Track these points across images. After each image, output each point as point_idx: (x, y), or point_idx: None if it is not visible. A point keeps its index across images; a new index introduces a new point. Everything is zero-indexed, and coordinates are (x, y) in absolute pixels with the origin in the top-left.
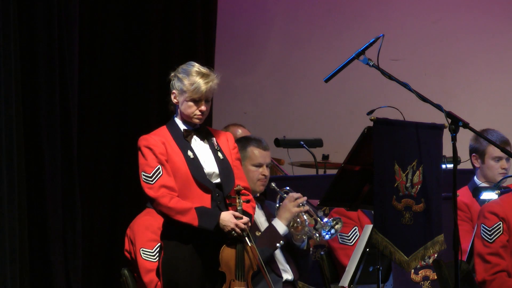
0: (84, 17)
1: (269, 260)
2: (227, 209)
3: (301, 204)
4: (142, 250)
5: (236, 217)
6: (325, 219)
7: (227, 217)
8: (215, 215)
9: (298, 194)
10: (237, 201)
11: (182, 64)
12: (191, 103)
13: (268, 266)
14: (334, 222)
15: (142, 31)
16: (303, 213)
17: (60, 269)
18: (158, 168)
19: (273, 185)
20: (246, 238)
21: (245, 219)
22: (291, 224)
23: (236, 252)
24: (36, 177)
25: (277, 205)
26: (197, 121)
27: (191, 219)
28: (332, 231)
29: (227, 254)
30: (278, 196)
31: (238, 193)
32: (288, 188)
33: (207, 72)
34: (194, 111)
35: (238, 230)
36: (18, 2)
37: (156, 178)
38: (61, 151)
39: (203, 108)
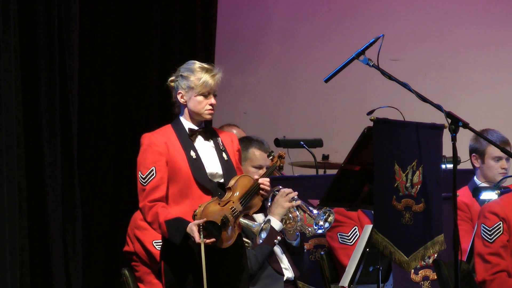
0: (84, 16)
1: (270, 258)
2: None
3: (292, 199)
4: (155, 242)
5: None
6: (315, 211)
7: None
8: (181, 228)
9: (289, 190)
10: None
11: (181, 64)
12: (200, 98)
13: (268, 263)
14: (326, 214)
15: (142, 31)
16: (295, 209)
17: (60, 269)
18: (152, 170)
19: None
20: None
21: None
22: (283, 221)
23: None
24: (36, 177)
25: (269, 203)
26: (209, 116)
27: (163, 232)
28: (326, 224)
29: (243, 181)
30: (270, 195)
31: None
32: (280, 186)
33: (210, 66)
34: (205, 105)
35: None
36: (18, 3)
37: (148, 181)
38: (61, 151)
39: (213, 101)
